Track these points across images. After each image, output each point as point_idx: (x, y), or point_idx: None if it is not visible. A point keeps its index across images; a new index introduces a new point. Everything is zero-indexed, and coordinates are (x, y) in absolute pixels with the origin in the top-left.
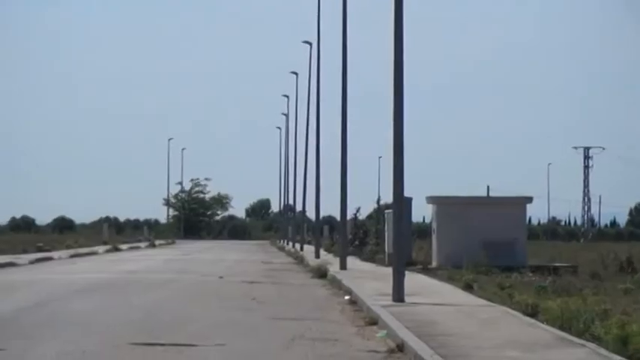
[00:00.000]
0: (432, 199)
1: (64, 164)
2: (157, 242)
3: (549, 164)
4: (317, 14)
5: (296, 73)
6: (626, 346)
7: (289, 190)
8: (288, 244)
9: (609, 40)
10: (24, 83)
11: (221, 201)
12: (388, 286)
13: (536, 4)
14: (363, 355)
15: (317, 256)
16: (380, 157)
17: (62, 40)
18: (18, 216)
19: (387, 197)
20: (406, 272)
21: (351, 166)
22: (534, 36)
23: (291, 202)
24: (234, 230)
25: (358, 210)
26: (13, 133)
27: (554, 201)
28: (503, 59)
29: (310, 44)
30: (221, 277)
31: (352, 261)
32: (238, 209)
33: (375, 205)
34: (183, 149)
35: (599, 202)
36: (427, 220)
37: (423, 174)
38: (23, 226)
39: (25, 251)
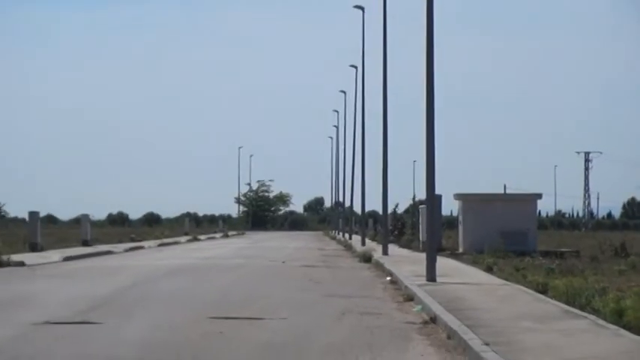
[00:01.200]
0: (458, 196)
1: (153, 168)
2: (230, 233)
3: (555, 166)
4: (362, 47)
5: (344, 92)
6: (621, 317)
7: (339, 188)
8: (338, 234)
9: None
10: (124, 95)
11: (283, 199)
12: (422, 269)
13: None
14: (403, 326)
15: (363, 244)
16: (414, 161)
17: (153, 60)
18: (114, 212)
19: (421, 195)
20: (437, 257)
21: (391, 169)
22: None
23: (341, 199)
24: (294, 223)
25: (397, 206)
26: (112, 140)
27: (560, 197)
28: (521, 75)
29: (356, 67)
30: (283, 262)
31: (392, 248)
32: (297, 205)
33: (411, 202)
34: (251, 156)
35: (597, 197)
36: (454, 214)
37: (451, 175)
38: (119, 220)
39: (120, 241)
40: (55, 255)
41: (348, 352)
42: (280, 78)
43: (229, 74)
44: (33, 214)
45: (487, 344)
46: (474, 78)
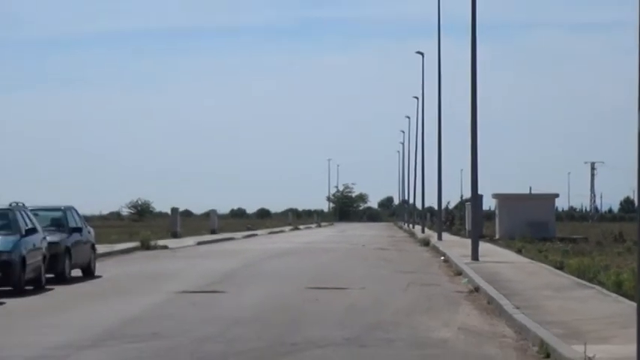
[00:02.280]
0: (495, 195)
1: (265, 173)
2: (322, 224)
3: (569, 173)
4: (422, 82)
5: (408, 117)
6: (620, 288)
7: (405, 189)
8: (404, 225)
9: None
10: (246, 115)
11: (362, 197)
12: (468, 251)
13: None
14: (453, 294)
15: (422, 232)
16: (462, 170)
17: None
18: (235, 207)
19: (466, 194)
20: (479, 242)
21: (444, 174)
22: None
23: (406, 197)
24: (370, 216)
25: (448, 203)
26: (234, 150)
27: (572, 196)
28: (541, 101)
29: (417, 98)
30: (363, 246)
31: (445, 235)
32: (373, 202)
33: (459, 200)
34: (338, 165)
35: (601, 197)
36: (492, 208)
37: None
38: (238, 214)
39: (239, 230)
40: (190, 240)
41: (413, 313)
42: (362, 105)
43: (321, 101)
44: (174, 210)
45: (518, 308)
46: (505, 102)
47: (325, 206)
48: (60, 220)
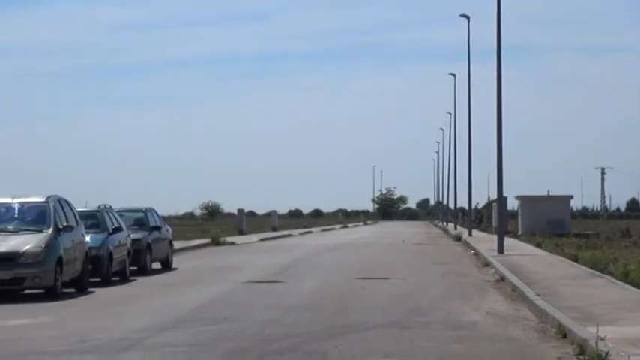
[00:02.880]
0: (518, 197)
1: (319, 177)
2: (368, 222)
3: (582, 177)
4: (454, 99)
5: (442, 129)
6: (627, 277)
7: (439, 191)
8: (439, 223)
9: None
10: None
11: (402, 199)
12: (494, 245)
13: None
14: (482, 282)
15: (455, 229)
16: (489, 174)
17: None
18: (293, 208)
19: (493, 196)
20: (504, 237)
21: (473, 178)
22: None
23: (440, 199)
24: (410, 215)
25: (477, 203)
26: (292, 157)
27: (585, 197)
28: (559, 115)
29: (450, 113)
30: (403, 241)
31: (474, 232)
32: (412, 203)
33: (487, 201)
34: (381, 172)
35: (610, 198)
36: (515, 208)
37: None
38: (295, 214)
39: (296, 228)
40: (254, 237)
41: (447, 299)
42: (403, 120)
43: (367, 116)
44: (240, 210)
45: (538, 295)
46: (526, 115)
47: (370, 207)
48: (142, 220)
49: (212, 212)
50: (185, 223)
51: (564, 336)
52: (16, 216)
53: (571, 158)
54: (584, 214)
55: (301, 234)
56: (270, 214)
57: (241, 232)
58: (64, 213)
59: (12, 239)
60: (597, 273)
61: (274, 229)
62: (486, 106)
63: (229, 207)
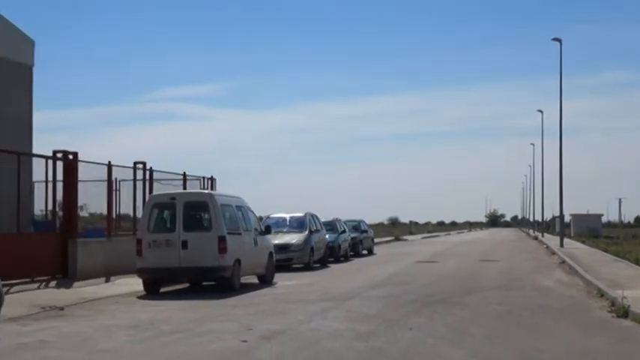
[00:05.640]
0: (571, 214)
1: (453, 201)
2: (483, 229)
3: (607, 203)
4: (541, 134)
5: (530, 166)
6: (638, 262)
7: (524, 210)
8: (524, 229)
9: None
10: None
11: (502, 215)
12: (558, 242)
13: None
14: (551, 264)
15: (533, 233)
16: (552, 202)
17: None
18: (439, 219)
19: (556, 212)
20: (564, 238)
21: (545, 199)
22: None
23: (525, 215)
24: (506, 224)
25: (546, 217)
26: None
27: (610, 214)
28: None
29: (533, 145)
30: (503, 240)
31: (546, 235)
32: (508, 217)
33: (552, 216)
34: (487, 197)
35: (624, 215)
36: (568, 221)
37: (568, 201)
38: (441, 223)
39: (441, 232)
40: (419, 236)
41: (531, 273)
42: (504, 160)
43: (483, 159)
44: (411, 221)
45: (586, 271)
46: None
47: (484, 219)
48: (357, 226)
49: (393, 222)
50: (378, 228)
51: (602, 295)
52: (287, 224)
53: (601, 191)
54: (609, 225)
55: (445, 235)
56: (427, 223)
57: (411, 233)
58: (314, 222)
59: (286, 236)
60: (619, 259)
61: (429, 232)
62: (552, 162)
63: (405, 218)
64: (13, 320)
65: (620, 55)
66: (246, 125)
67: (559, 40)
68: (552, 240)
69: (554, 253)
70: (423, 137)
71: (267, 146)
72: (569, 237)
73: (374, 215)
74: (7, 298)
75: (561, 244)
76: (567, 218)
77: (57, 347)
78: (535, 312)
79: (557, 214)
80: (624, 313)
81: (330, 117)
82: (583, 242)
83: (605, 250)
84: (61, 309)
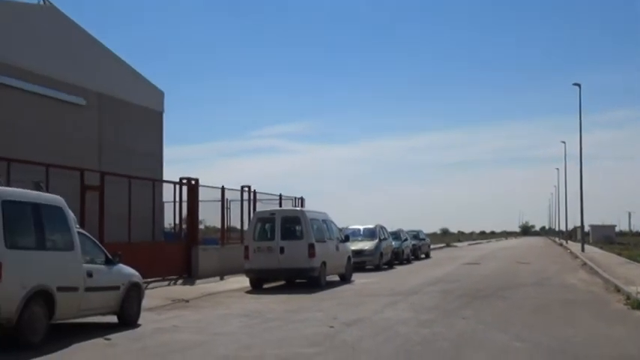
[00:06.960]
0: (590, 226)
1: (490, 213)
2: (517, 237)
3: (619, 216)
4: (564, 160)
5: (555, 186)
6: None
7: (551, 221)
8: (554, 238)
9: None
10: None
11: (532, 225)
12: (579, 248)
13: None
14: (575, 265)
15: (559, 240)
16: (574, 214)
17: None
18: (480, 230)
19: (577, 223)
20: (584, 244)
21: (569, 211)
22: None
23: (552, 225)
24: (536, 233)
25: (569, 228)
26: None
27: (621, 225)
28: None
29: (557, 169)
30: (533, 246)
31: (569, 242)
32: (538, 227)
33: (573, 226)
34: (519, 210)
35: (634, 225)
36: (588, 230)
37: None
38: (481, 232)
39: (483, 240)
40: (465, 243)
41: (558, 273)
42: (529, 177)
43: (516, 182)
44: (459, 231)
45: (604, 271)
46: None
47: (517, 229)
48: (416, 235)
49: (444, 232)
50: (432, 237)
51: (618, 291)
52: (361, 233)
53: (614, 206)
54: (621, 233)
55: (486, 242)
56: (471, 233)
57: (459, 241)
58: (383, 231)
59: (360, 244)
60: (631, 261)
61: (473, 240)
62: (573, 182)
63: (452, 228)
64: (150, 310)
65: (628, 94)
66: (326, 156)
67: (578, 85)
68: (575, 246)
69: (576, 257)
70: (467, 164)
71: (343, 172)
72: (589, 244)
73: (429, 226)
74: (145, 292)
75: (582, 250)
76: (587, 228)
77: (185, 330)
78: (563, 304)
79: (579, 224)
80: (638, 305)
81: (390, 149)
82: (600, 248)
83: (619, 254)
84: (187, 301)
